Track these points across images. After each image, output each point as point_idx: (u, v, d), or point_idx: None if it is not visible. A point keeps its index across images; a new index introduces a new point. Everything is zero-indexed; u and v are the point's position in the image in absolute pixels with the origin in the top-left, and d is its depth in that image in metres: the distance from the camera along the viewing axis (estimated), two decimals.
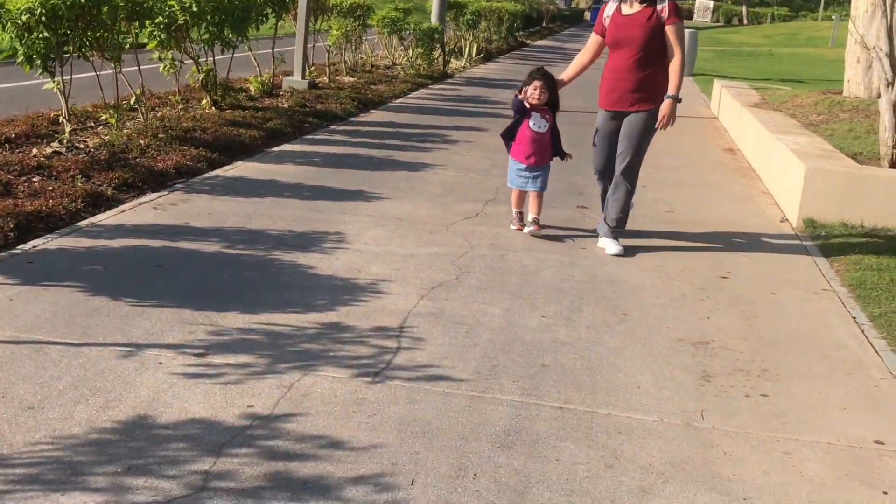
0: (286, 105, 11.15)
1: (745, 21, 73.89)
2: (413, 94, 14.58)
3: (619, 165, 6.16)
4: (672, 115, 6.01)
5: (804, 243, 6.84)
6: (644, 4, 5.95)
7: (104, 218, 6.04)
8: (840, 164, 7.72)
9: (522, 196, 6.55)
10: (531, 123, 6.36)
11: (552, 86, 6.32)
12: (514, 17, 27.83)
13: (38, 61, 7.34)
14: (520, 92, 6.36)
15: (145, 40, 9.40)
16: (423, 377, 3.98)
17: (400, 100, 13.75)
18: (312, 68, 14.05)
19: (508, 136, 6.47)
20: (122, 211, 6.24)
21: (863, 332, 5.01)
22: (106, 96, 8.59)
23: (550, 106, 6.41)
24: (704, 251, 6.47)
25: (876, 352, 4.73)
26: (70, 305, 4.45)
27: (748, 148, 10.85)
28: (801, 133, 9.58)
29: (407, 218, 6.61)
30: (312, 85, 13.04)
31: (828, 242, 6.81)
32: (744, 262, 6.26)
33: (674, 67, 5.98)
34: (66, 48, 7.52)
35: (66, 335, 4.09)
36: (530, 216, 6.46)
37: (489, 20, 23.80)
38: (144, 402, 3.53)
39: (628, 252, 6.17)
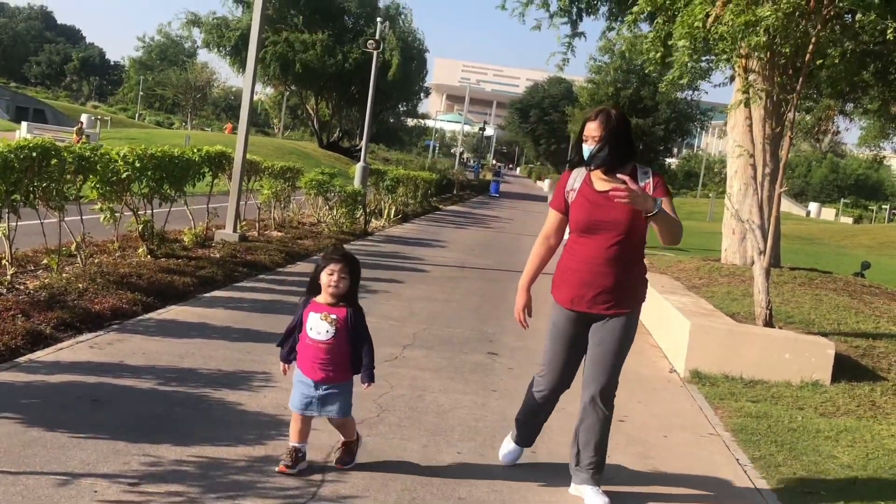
0: (218, 255, 11.18)
1: None
2: None
3: (593, 386, 4.39)
4: (635, 196, 3.94)
5: (691, 392, 7.05)
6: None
7: (42, 355, 5.91)
8: (721, 322, 8.05)
9: (306, 424, 4.36)
10: (307, 327, 4.29)
11: (354, 272, 4.42)
12: (429, 184, 29.01)
13: None
14: (310, 287, 4.41)
15: (88, 192, 9.41)
16: None
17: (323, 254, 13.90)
18: (244, 223, 14.19)
19: (285, 338, 4.42)
20: (60, 349, 6.12)
21: (745, 472, 5.16)
22: (49, 242, 8.52)
23: (348, 301, 4.36)
24: None
25: (757, 491, 4.87)
26: (8, 436, 4.32)
27: None
28: (686, 294, 9.99)
29: None
30: (243, 238, 13.14)
31: (712, 391, 7.04)
32: (638, 408, 6.41)
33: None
34: (13, 196, 7.49)
35: (3, 464, 3.96)
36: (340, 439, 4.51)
37: (406, 186, 24.71)
38: None
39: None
